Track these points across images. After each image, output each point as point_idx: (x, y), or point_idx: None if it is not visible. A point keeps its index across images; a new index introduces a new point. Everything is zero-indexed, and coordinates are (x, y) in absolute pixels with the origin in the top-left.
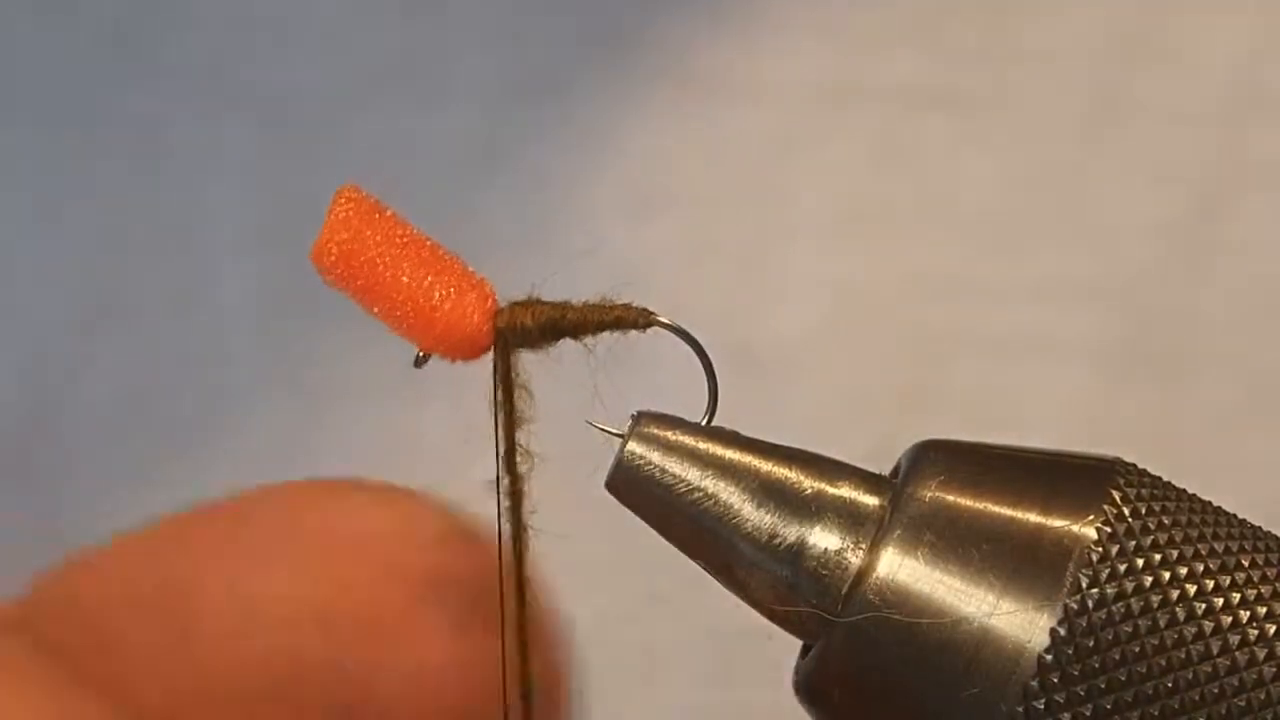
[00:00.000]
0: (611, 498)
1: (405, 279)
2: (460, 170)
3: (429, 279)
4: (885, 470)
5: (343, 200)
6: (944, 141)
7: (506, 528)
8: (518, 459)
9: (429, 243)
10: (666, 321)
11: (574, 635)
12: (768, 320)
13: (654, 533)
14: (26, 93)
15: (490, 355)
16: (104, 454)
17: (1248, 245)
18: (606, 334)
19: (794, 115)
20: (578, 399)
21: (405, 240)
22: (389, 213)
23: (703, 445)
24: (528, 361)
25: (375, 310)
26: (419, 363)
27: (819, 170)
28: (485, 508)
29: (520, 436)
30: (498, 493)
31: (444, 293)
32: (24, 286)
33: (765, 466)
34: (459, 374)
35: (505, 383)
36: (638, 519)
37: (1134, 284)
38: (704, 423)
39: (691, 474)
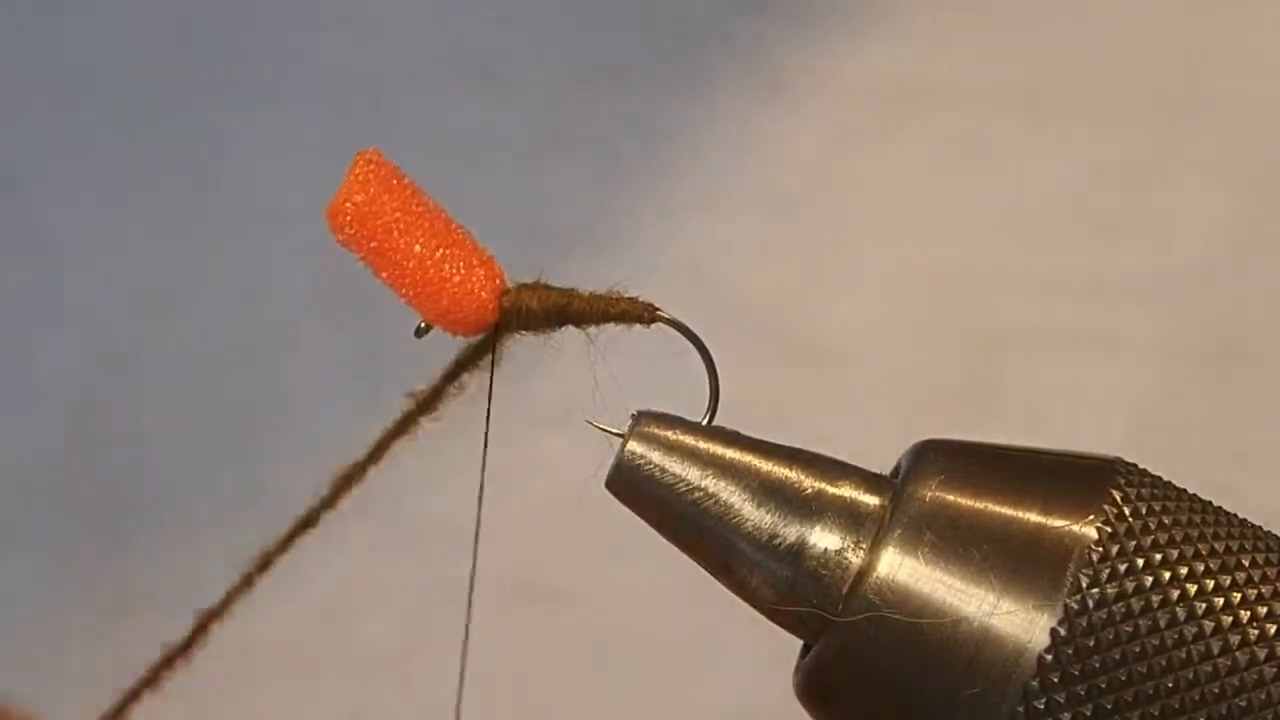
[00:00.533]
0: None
1: (418, 248)
2: (529, 162)
3: (440, 251)
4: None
5: (362, 163)
6: (1009, 140)
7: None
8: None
9: (443, 215)
10: (670, 317)
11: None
12: (832, 315)
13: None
14: (92, 85)
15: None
16: (169, 441)
17: None
18: (609, 327)
19: (862, 113)
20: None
21: (420, 210)
22: (407, 181)
23: (703, 445)
24: (531, 361)
25: (384, 276)
26: (420, 333)
27: (885, 168)
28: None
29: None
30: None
31: (454, 266)
32: (91, 276)
33: (765, 466)
34: (525, 358)
35: (470, 354)
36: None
37: (1196, 280)
38: (705, 422)
39: (692, 473)
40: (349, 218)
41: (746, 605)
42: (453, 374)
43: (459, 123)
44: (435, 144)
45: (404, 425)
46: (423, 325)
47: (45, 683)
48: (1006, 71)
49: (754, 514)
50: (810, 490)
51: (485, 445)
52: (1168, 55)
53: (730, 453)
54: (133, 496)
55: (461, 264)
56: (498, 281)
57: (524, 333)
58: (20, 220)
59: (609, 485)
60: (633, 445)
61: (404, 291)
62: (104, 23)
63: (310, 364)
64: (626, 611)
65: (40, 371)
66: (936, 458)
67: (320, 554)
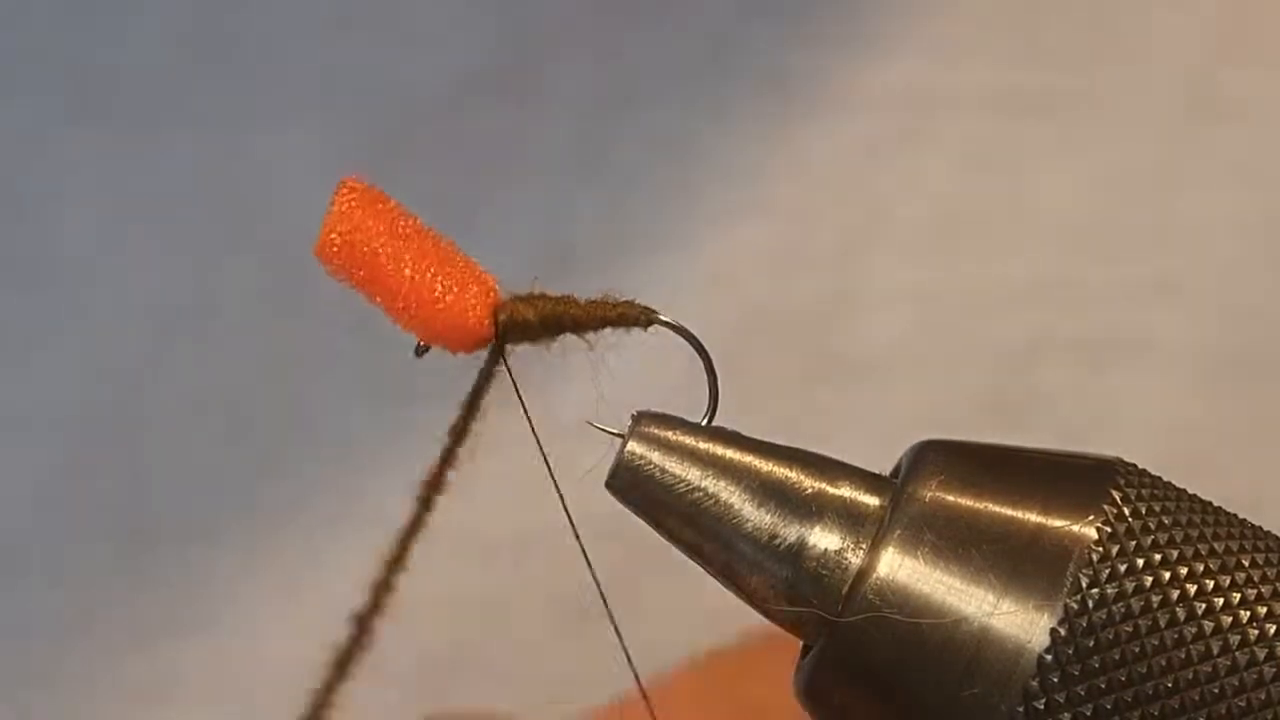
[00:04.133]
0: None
1: (407, 271)
2: (552, 175)
3: (431, 271)
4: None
5: (344, 192)
6: (1033, 147)
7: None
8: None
9: (432, 234)
10: (668, 320)
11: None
12: (856, 327)
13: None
14: (98, 94)
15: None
16: (179, 458)
17: None
18: (608, 332)
19: (884, 122)
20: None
21: (408, 232)
22: (392, 204)
23: (703, 445)
24: (531, 360)
25: (377, 301)
26: (419, 353)
27: (908, 177)
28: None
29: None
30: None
31: (446, 285)
32: (99, 289)
33: (765, 466)
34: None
35: (484, 380)
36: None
37: (1225, 285)
38: (705, 422)
39: (692, 474)
40: (336, 249)
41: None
42: (472, 404)
43: (481, 141)
44: (458, 162)
45: (445, 463)
46: (421, 345)
47: (59, 712)
48: (1028, 78)
49: (754, 514)
50: (810, 491)
51: (542, 453)
52: (1191, 56)
53: (730, 453)
54: (141, 513)
55: (454, 283)
56: (492, 297)
57: (525, 344)
58: (21, 236)
59: (609, 485)
60: (633, 445)
61: (398, 315)
62: (119, 36)
63: (321, 381)
64: None
65: (40, 392)
66: (936, 458)
67: (315, 570)
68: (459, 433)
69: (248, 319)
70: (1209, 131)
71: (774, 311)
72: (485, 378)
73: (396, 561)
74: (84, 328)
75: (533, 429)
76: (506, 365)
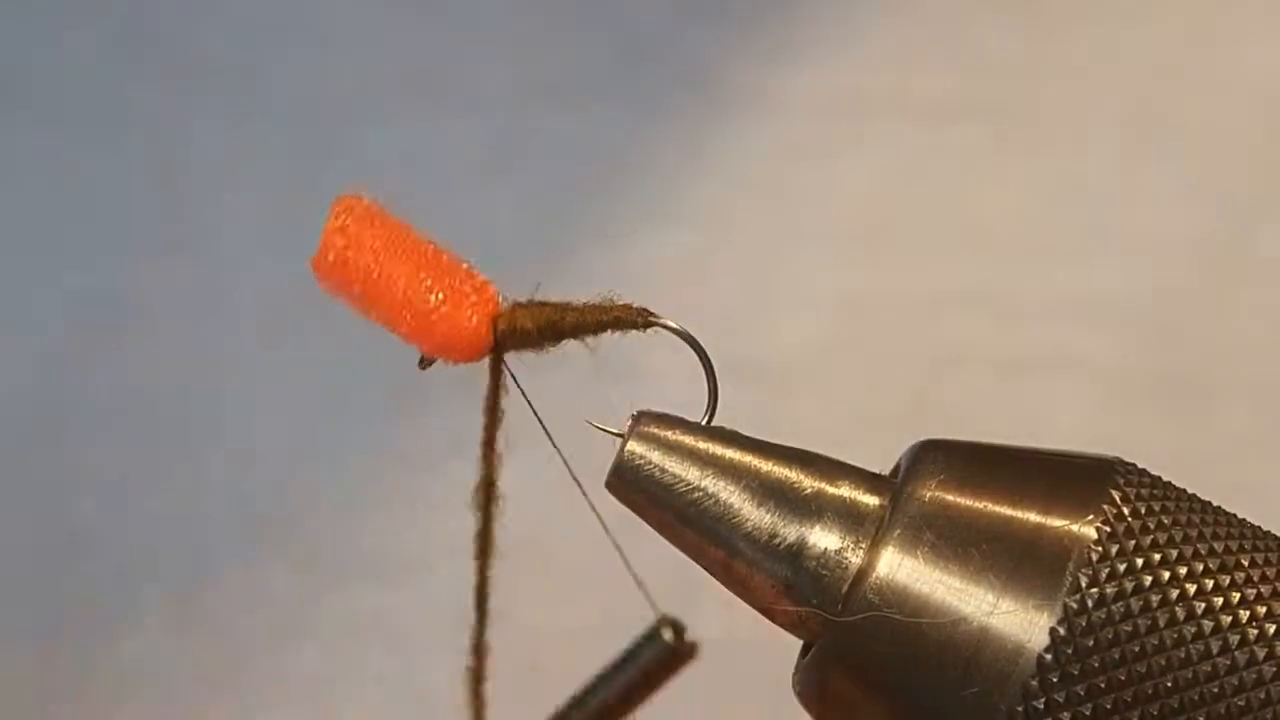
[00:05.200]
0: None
1: (402, 283)
2: (476, 176)
3: (427, 283)
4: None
5: (340, 208)
6: (965, 155)
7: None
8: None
9: (428, 246)
10: (666, 322)
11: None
12: (776, 332)
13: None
14: (43, 93)
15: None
16: (111, 457)
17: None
18: (607, 335)
19: (814, 127)
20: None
21: (404, 245)
22: (388, 218)
23: (703, 445)
24: (530, 363)
25: (374, 317)
26: (423, 365)
27: (834, 183)
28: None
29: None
30: (484, 495)
31: (441, 297)
32: (35, 288)
33: (765, 466)
34: (460, 381)
35: (495, 388)
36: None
37: (1157, 304)
38: (704, 422)
39: (691, 473)
40: (330, 266)
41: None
42: (492, 412)
43: (407, 141)
44: (386, 162)
45: (489, 473)
46: (424, 358)
47: None
48: (960, 86)
49: (753, 514)
50: (810, 490)
51: (563, 458)
52: (1131, 72)
53: (730, 453)
54: (71, 513)
55: (450, 294)
56: (490, 306)
57: (524, 351)
58: None
59: (609, 485)
60: (632, 445)
61: (397, 329)
62: (67, 38)
63: (254, 382)
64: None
65: None
66: (936, 457)
67: (261, 583)
68: (489, 442)
69: (181, 318)
70: (1146, 148)
71: (692, 316)
72: (495, 385)
73: (484, 583)
74: (21, 324)
75: (545, 431)
76: (509, 371)
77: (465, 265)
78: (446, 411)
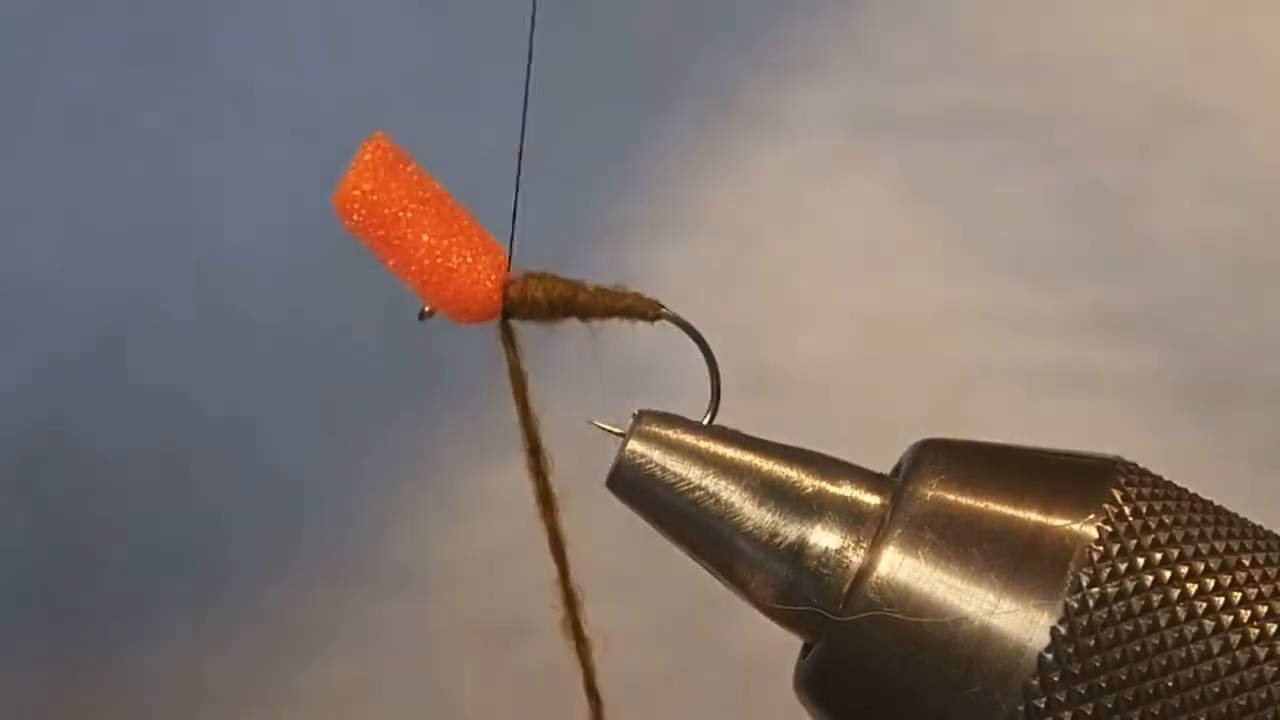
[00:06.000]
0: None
1: (426, 236)
2: (488, 182)
3: (447, 240)
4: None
5: (371, 148)
6: (983, 167)
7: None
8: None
9: (449, 201)
10: (674, 315)
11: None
12: (790, 347)
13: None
14: (51, 105)
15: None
16: (122, 467)
17: None
18: (613, 324)
19: (827, 142)
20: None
21: (428, 196)
22: (414, 166)
23: (704, 444)
24: (532, 367)
25: (390, 263)
26: (423, 317)
27: (849, 198)
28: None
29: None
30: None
31: (461, 255)
32: (45, 299)
33: (766, 465)
34: (485, 390)
35: (512, 351)
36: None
37: (1176, 313)
38: (705, 421)
39: (692, 472)
40: (357, 204)
41: (739, 616)
42: (519, 387)
43: (423, 148)
44: None
45: (535, 454)
46: (425, 310)
47: None
48: (975, 99)
49: (754, 513)
50: (811, 489)
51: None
52: (1148, 75)
53: (731, 452)
54: (81, 524)
55: (469, 253)
56: (503, 271)
57: (529, 321)
58: None
59: (610, 484)
60: (633, 444)
61: (410, 279)
62: (74, 46)
63: (268, 392)
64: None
65: None
66: (937, 457)
67: (283, 595)
68: (524, 412)
69: (193, 329)
70: (1163, 153)
71: (705, 326)
72: (510, 348)
73: (556, 534)
74: (31, 336)
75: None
76: (512, 341)
77: (479, 225)
78: (473, 420)
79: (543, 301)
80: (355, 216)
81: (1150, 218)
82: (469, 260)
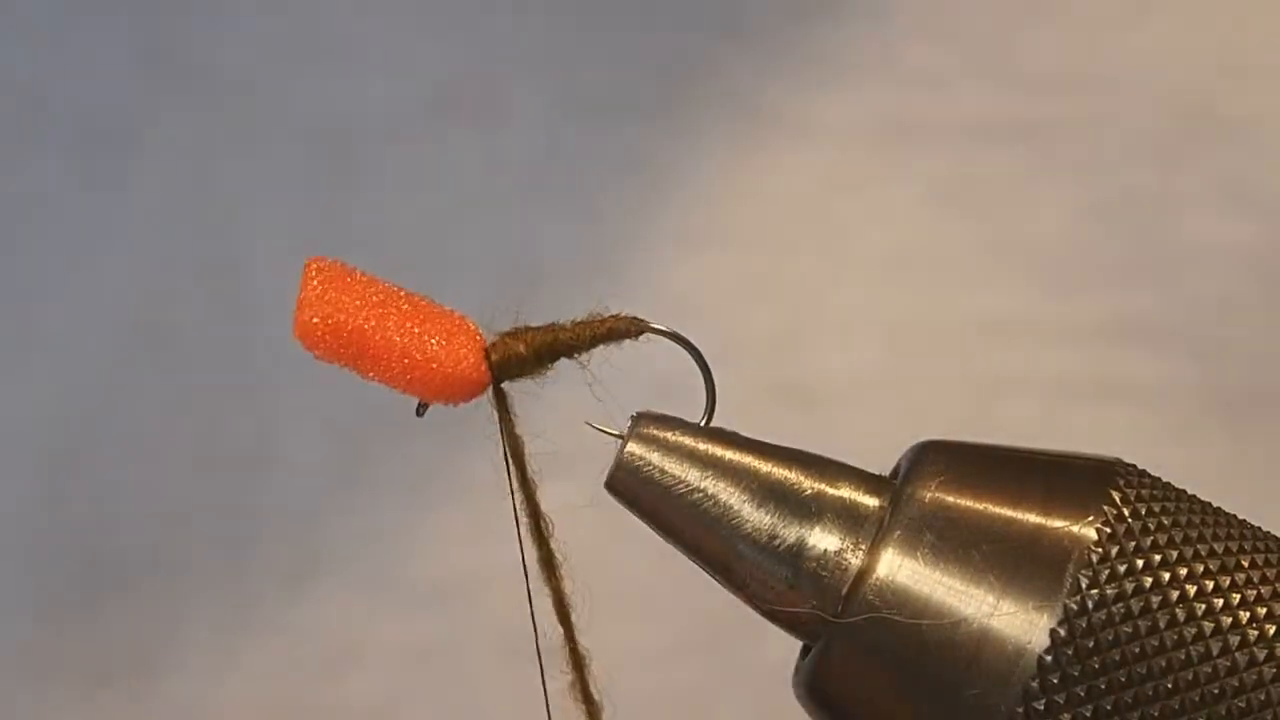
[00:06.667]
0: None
1: (396, 338)
2: (516, 196)
3: (417, 330)
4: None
5: (314, 271)
6: (1009, 176)
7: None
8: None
9: (403, 293)
10: (659, 327)
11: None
12: (822, 357)
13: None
14: (66, 118)
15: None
16: (140, 483)
17: None
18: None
19: (855, 152)
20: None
21: (383, 298)
22: (360, 274)
23: (702, 446)
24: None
25: (371, 375)
26: (421, 412)
27: (878, 208)
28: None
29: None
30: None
31: (436, 342)
32: (63, 313)
33: (765, 467)
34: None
35: (505, 419)
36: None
37: (1202, 323)
38: (703, 423)
39: (691, 474)
40: (319, 331)
41: (741, 622)
42: (516, 451)
43: (445, 163)
44: (420, 184)
45: (532, 505)
46: (421, 404)
47: None
48: (1003, 109)
49: (754, 515)
50: (810, 491)
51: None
52: (1173, 82)
53: (729, 454)
54: (99, 539)
55: (440, 336)
56: (477, 340)
57: (521, 378)
58: None
59: (608, 486)
60: (632, 447)
61: (395, 383)
62: (86, 62)
63: (291, 414)
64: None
65: (7, 422)
66: (936, 458)
67: (310, 613)
68: (522, 478)
69: (211, 343)
70: (1190, 158)
71: (737, 338)
72: (504, 415)
73: (562, 600)
74: (48, 350)
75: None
76: (506, 406)
77: (439, 305)
78: (499, 436)
79: (527, 354)
80: (322, 345)
81: (1177, 228)
82: (444, 344)
